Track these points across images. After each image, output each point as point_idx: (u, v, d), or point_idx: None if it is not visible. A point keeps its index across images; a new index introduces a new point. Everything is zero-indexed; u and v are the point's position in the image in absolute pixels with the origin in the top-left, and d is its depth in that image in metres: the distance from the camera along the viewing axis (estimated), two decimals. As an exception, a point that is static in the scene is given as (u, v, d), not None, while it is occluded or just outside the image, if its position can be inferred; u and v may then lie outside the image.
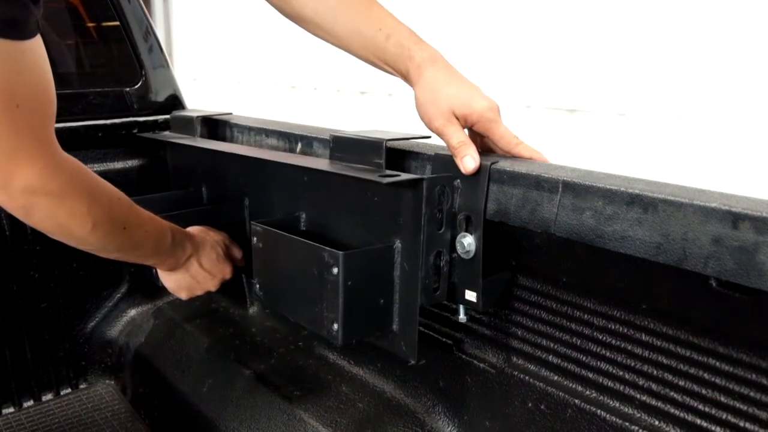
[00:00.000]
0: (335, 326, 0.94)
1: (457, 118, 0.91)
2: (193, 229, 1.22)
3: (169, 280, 1.20)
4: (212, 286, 1.23)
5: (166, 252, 1.11)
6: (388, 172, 0.93)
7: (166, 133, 1.59)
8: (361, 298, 0.95)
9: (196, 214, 1.33)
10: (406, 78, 0.96)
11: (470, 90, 0.92)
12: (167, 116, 1.63)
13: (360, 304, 0.95)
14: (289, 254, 1.05)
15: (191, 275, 1.19)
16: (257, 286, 1.14)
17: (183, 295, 1.22)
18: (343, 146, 1.04)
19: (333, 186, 1.09)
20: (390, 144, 0.98)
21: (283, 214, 1.22)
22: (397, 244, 0.97)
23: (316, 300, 0.97)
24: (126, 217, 0.99)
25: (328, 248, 0.94)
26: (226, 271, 1.24)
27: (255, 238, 1.11)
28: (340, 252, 0.91)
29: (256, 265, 1.14)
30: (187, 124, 1.51)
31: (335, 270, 0.92)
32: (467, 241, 0.90)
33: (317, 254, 0.95)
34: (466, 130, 0.92)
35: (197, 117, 1.49)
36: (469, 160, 0.88)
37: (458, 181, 0.90)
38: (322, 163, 1.07)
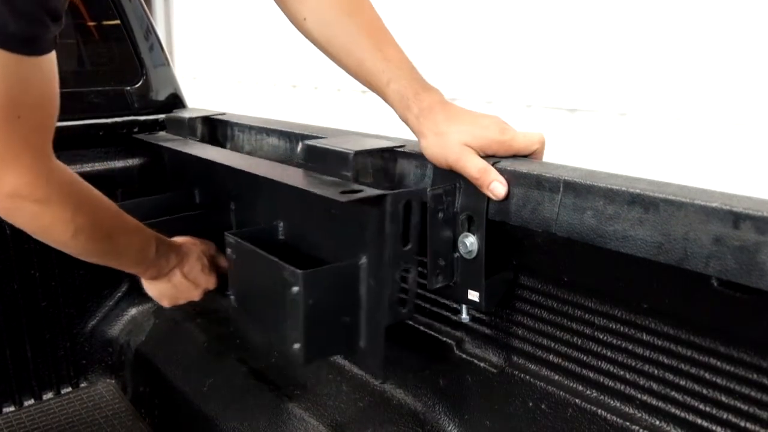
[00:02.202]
0: (297, 345, 0.92)
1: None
2: (180, 239, 1.22)
3: (152, 288, 1.20)
4: (195, 296, 1.23)
5: (149, 262, 1.12)
6: (354, 187, 0.89)
7: (162, 133, 1.59)
8: (325, 316, 0.92)
9: (183, 221, 1.33)
10: (406, 123, 0.94)
11: (476, 121, 0.89)
12: (168, 115, 1.63)
13: (323, 322, 0.92)
14: (257, 269, 1.02)
15: (174, 285, 1.19)
16: (232, 297, 1.12)
17: (165, 304, 1.23)
18: (314, 156, 1.01)
19: (305, 198, 1.05)
20: (359, 155, 0.95)
21: (265, 223, 1.19)
22: (363, 260, 0.93)
23: (279, 317, 0.95)
24: (111, 225, 1.00)
25: (289, 266, 0.90)
26: (211, 282, 1.24)
27: (229, 250, 1.10)
28: (300, 271, 0.88)
29: (231, 277, 1.13)
30: (181, 125, 1.51)
31: (296, 289, 0.89)
32: (469, 241, 0.90)
33: (279, 271, 0.92)
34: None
35: (191, 118, 1.48)
36: (497, 186, 0.85)
37: (460, 181, 0.90)
38: (292, 175, 1.03)
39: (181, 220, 1.32)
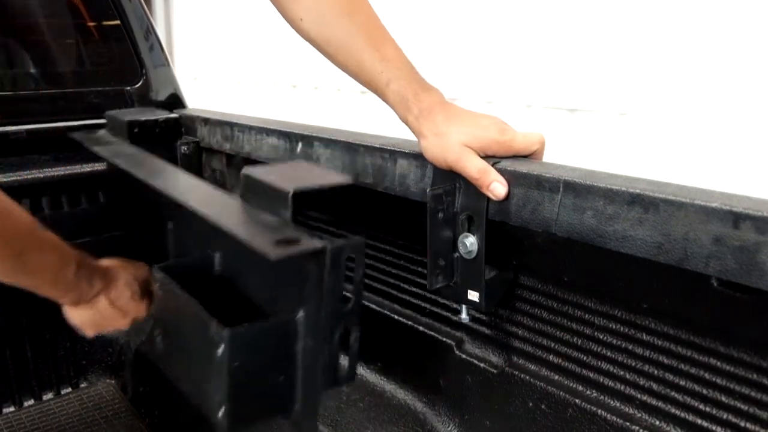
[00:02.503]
0: (221, 411, 0.81)
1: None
2: (107, 262, 1.09)
3: (73, 314, 1.06)
4: (123, 324, 1.09)
5: (67, 285, 0.99)
6: (289, 236, 0.75)
7: (102, 133, 1.41)
8: (255, 378, 0.82)
9: (112, 241, 1.20)
10: (405, 124, 0.93)
11: (475, 122, 0.89)
12: (168, 115, 1.63)
13: (253, 384, 0.82)
14: (183, 314, 0.92)
15: (99, 312, 1.05)
16: (158, 338, 1.01)
17: (89, 333, 1.09)
18: (253, 188, 0.86)
19: None
20: (301, 192, 0.81)
21: (202, 249, 1.07)
22: (301, 314, 0.83)
23: (203, 375, 0.85)
24: (21, 240, 0.89)
25: (215, 322, 0.81)
26: (141, 310, 1.09)
27: (157, 284, 1.00)
28: (226, 330, 0.79)
29: (156, 315, 1.02)
30: (120, 128, 1.36)
31: (221, 350, 0.79)
32: (469, 241, 0.90)
33: (204, 324, 0.83)
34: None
35: (129, 121, 1.34)
36: (497, 187, 0.85)
37: (460, 181, 0.90)
38: (225, 211, 0.88)
39: (109, 241, 1.18)
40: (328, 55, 1.00)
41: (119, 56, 1.63)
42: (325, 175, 0.93)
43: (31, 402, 1.59)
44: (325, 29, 0.99)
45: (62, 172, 1.48)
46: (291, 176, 0.86)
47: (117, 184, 1.30)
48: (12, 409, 1.56)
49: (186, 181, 1.05)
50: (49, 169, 1.45)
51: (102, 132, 1.39)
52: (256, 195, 0.86)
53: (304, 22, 1.00)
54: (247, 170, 0.88)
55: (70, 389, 1.64)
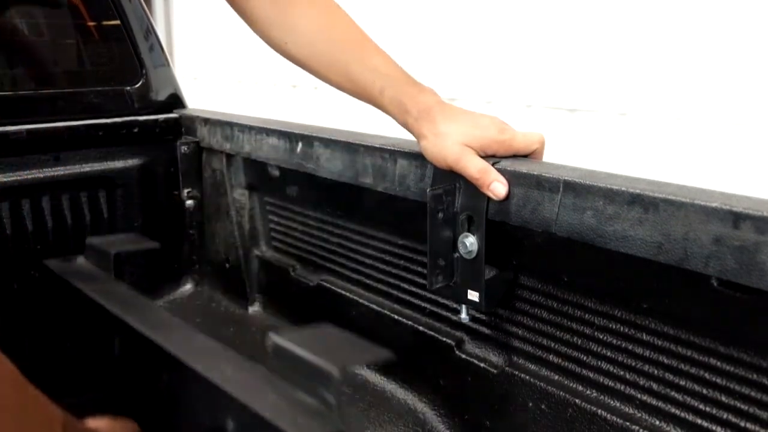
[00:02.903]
0: None
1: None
2: (95, 423, 0.94)
3: None
4: None
5: None
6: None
7: (81, 261, 1.19)
8: None
9: (96, 402, 0.97)
10: (405, 127, 0.93)
11: (475, 121, 0.89)
12: (169, 115, 1.63)
13: None
14: None
15: None
16: None
17: None
18: (284, 359, 0.74)
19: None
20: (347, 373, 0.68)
21: (208, 414, 0.84)
22: None
23: None
24: (4, 402, 0.72)
25: None
26: None
27: None
28: None
29: None
30: (104, 259, 1.14)
31: None
32: (469, 241, 0.90)
33: None
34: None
35: (116, 254, 1.13)
36: (497, 187, 0.84)
37: (460, 181, 0.90)
38: (251, 380, 0.74)
39: (95, 400, 1.00)
40: (318, 75, 1.00)
41: (119, 56, 1.63)
42: (364, 348, 0.81)
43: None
44: (310, 49, 0.99)
45: (62, 172, 1.48)
46: (328, 348, 0.74)
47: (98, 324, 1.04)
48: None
49: (194, 339, 0.91)
50: (49, 169, 1.45)
51: (81, 261, 1.21)
52: (289, 369, 0.74)
53: (289, 45, 1.00)
54: (276, 338, 0.76)
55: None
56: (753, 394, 0.74)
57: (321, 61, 0.99)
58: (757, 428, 0.74)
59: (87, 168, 1.53)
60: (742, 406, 0.75)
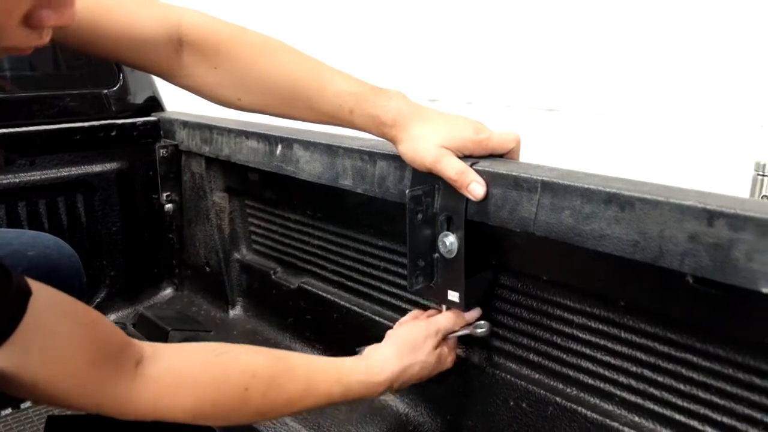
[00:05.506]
0: None
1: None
2: None
3: None
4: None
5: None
6: None
7: None
8: None
9: None
10: (383, 137, 0.93)
11: (450, 122, 0.89)
12: (147, 119, 1.61)
13: None
14: None
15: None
16: None
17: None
18: None
19: None
20: None
21: None
22: None
23: None
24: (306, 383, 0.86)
25: None
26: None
27: None
28: None
29: None
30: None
31: None
32: (449, 240, 0.90)
33: None
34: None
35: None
36: (475, 187, 0.85)
37: (439, 182, 0.90)
38: None
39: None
40: (283, 116, 0.97)
41: (95, 59, 1.62)
42: None
43: (29, 404, 1.56)
44: (266, 97, 0.95)
45: (39, 177, 1.46)
46: None
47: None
48: (9, 411, 1.52)
49: None
50: (25, 174, 1.44)
51: None
52: None
53: (243, 101, 0.96)
54: None
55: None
56: (728, 388, 0.75)
57: (281, 104, 0.95)
58: (733, 422, 0.75)
59: (64, 172, 1.51)
60: (719, 401, 0.76)
